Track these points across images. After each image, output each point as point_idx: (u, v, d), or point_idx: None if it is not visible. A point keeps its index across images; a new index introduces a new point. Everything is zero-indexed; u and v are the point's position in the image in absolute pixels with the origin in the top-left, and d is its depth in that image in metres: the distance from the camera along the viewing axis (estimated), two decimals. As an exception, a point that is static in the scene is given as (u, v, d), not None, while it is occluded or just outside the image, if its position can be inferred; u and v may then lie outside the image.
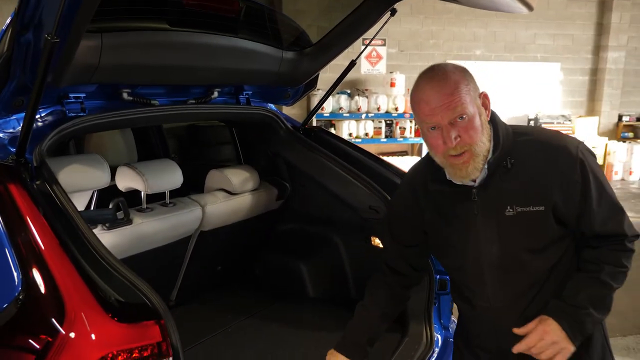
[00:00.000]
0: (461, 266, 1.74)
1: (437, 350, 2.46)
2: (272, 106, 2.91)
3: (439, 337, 2.50)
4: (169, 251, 2.50)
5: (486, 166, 1.60)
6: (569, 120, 9.19)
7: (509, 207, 1.58)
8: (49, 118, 2.00)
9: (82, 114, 2.04)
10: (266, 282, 3.08)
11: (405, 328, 2.51)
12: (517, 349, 1.59)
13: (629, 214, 1.60)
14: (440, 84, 1.54)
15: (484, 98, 1.60)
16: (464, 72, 1.58)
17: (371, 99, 7.51)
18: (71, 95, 2.02)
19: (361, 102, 7.45)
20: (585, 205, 1.57)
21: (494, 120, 1.64)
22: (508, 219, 1.58)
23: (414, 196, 1.78)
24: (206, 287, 2.96)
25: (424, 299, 2.48)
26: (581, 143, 1.61)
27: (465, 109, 1.52)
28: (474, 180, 1.61)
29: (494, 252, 1.63)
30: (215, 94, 2.54)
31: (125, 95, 2.19)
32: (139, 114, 2.22)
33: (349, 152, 2.80)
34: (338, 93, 7.39)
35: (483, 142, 1.56)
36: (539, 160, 1.58)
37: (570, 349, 1.55)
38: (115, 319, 1.39)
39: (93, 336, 1.37)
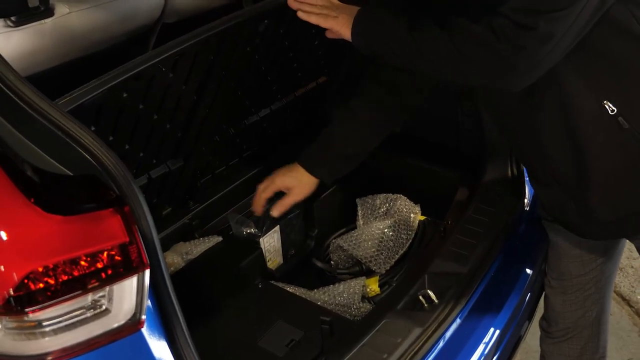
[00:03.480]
0: None
1: (528, 199, 2.23)
2: None
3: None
4: (117, 57, 2.09)
5: None
6: None
7: None
8: None
9: None
10: None
11: (483, 167, 2.26)
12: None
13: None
14: None
15: None
16: None
17: None
18: None
19: None
20: None
21: None
22: None
23: None
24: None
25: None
26: None
27: None
28: None
29: None
30: None
31: None
32: None
33: None
34: None
35: None
36: None
37: (337, 28, 1.66)
38: (45, 208, 1.06)
39: (4, 236, 1.03)
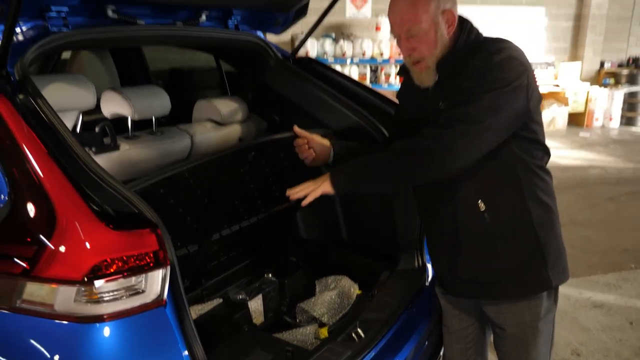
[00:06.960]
0: None
1: (428, 278, 2.44)
2: (261, 34, 2.80)
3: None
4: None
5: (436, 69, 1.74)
6: (552, 66, 9.18)
7: (441, 102, 1.72)
8: (31, 32, 1.89)
9: (64, 29, 1.93)
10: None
11: (398, 259, 2.49)
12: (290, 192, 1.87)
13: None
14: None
15: (448, 15, 1.71)
16: None
17: (356, 44, 7.39)
18: (53, 8, 1.90)
19: (346, 46, 7.32)
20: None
21: (464, 29, 1.75)
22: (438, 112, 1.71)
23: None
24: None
25: (416, 225, 2.45)
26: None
27: (417, 25, 1.68)
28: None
29: None
30: (203, 17, 2.43)
31: (109, 12, 2.08)
32: (123, 33, 2.11)
33: (339, 82, 2.72)
34: (323, 36, 7.25)
35: (435, 56, 1.72)
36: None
37: (321, 190, 1.81)
38: (110, 226, 1.34)
39: (87, 244, 1.32)
